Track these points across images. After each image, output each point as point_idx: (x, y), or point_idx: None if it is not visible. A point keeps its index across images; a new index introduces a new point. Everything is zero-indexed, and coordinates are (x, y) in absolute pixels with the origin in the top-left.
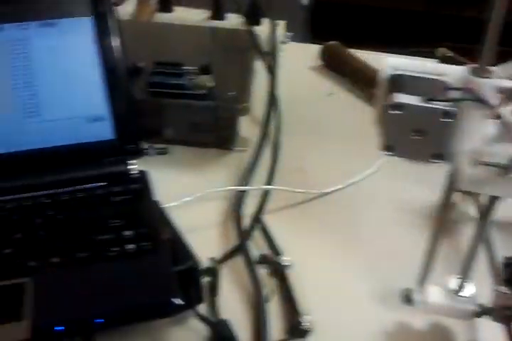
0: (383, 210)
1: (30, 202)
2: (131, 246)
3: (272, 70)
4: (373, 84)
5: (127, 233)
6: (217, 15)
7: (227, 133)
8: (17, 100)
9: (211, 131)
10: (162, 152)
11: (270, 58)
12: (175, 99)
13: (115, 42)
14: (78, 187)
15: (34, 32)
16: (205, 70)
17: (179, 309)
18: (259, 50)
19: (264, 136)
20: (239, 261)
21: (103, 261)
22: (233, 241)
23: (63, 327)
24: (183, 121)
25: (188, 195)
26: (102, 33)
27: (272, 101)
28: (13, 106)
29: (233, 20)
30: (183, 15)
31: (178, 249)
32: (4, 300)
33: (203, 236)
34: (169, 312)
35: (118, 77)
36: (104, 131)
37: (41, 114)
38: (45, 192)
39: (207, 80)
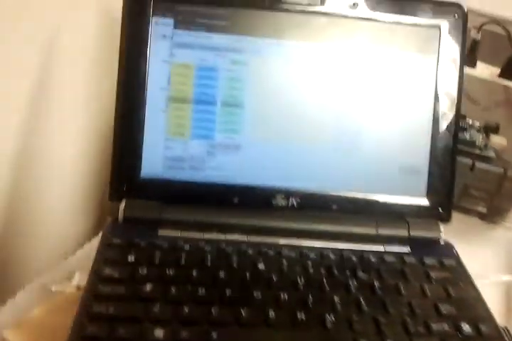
0: None
1: (330, 253)
2: None
3: None
4: None
5: (464, 326)
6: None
7: (501, 205)
8: (331, 132)
9: (483, 199)
10: None
11: None
12: (459, 156)
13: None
14: (379, 247)
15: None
16: (492, 129)
17: None
18: None
19: None
20: None
21: None
22: None
23: None
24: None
25: None
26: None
27: None
28: (323, 138)
29: (484, 71)
30: None
31: None
32: None
33: None
34: None
35: (448, 125)
36: (416, 186)
37: (351, 153)
38: (345, 246)
39: (499, 141)
